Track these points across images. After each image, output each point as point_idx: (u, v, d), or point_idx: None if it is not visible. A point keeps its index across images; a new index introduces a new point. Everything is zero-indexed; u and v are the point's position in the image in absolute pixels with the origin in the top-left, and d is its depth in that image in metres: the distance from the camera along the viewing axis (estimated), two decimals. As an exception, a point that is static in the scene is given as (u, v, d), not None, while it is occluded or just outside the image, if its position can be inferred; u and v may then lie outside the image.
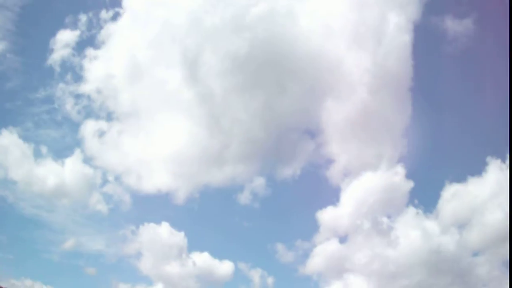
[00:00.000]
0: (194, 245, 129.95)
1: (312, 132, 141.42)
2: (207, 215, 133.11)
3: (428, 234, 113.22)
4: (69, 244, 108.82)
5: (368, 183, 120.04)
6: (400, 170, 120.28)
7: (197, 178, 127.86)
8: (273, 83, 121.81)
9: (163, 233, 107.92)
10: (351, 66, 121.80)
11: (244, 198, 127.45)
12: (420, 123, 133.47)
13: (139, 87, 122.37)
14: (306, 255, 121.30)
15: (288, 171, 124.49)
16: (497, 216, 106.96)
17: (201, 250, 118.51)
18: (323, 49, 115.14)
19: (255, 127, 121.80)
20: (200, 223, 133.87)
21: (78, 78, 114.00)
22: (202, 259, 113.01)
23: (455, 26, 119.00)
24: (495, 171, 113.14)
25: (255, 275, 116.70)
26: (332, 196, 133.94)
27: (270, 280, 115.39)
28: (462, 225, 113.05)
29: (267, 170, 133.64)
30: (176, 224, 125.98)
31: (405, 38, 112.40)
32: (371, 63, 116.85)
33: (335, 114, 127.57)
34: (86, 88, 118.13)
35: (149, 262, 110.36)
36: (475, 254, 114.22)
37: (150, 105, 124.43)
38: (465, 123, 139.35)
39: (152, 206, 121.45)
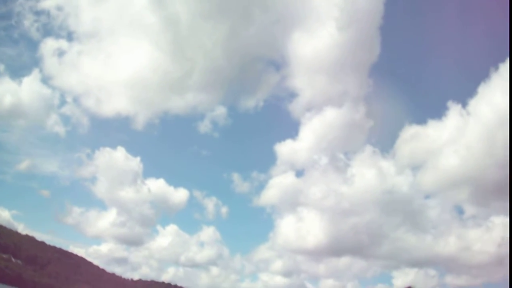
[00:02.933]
0: (149, 171, 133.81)
1: (278, 64, 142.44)
2: (165, 142, 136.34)
3: (383, 173, 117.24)
4: (23, 165, 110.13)
5: (329, 119, 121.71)
6: (362, 108, 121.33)
7: (158, 104, 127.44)
8: (240, 11, 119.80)
9: (119, 157, 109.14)
10: (321, 0, 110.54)
11: (204, 126, 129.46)
12: (387, 63, 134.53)
13: (102, 8, 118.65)
14: (261, 186, 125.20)
15: (251, 102, 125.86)
16: (452, 161, 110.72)
17: (157, 176, 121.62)
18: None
19: (219, 56, 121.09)
20: (157, 149, 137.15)
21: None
22: (157, 186, 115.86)
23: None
24: (455, 116, 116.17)
25: (210, 203, 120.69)
26: (291, 129, 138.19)
27: (224, 210, 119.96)
28: (417, 167, 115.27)
29: (229, 100, 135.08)
30: (132, 149, 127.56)
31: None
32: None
33: (302, 48, 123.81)
34: (46, 4, 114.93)
35: (103, 187, 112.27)
36: (427, 196, 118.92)
37: (112, 27, 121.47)
38: (431, 66, 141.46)
39: (110, 130, 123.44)
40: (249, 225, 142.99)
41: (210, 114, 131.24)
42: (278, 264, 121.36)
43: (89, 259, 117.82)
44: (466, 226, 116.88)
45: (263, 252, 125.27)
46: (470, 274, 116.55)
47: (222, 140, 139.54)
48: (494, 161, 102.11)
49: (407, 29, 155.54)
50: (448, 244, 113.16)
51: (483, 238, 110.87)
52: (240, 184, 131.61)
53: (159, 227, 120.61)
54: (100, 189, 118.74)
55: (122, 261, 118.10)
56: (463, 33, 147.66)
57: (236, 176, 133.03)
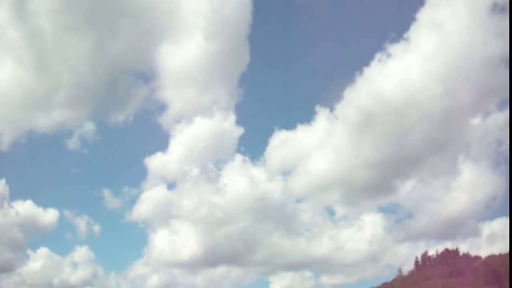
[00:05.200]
0: (16, 193, 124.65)
1: (146, 77, 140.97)
2: (32, 162, 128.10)
3: (255, 181, 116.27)
4: None
5: (198, 129, 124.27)
6: (232, 117, 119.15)
7: (23, 123, 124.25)
8: (106, 24, 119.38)
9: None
10: (188, 10, 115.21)
11: (72, 143, 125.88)
12: (256, 71, 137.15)
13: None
14: (133, 201, 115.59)
15: (120, 117, 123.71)
16: (321, 164, 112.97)
17: (24, 198, 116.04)
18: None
19: (85, 70, 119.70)
20: (24, 170, 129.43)
21: None
22: (25, 208, 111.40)
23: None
24: (323, 120, 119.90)
25: (81, 222, 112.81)
26: (161, 142, 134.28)
27: (96, 228, 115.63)
28: (287, 172, 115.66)
29: (98, 115, 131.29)
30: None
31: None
32: (208, 9, 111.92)
33: (171, 59, 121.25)
34: None
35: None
36: (299, 200, 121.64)
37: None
38: (299, 72, 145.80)
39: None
40: (122, 241, 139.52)
41: (79, 130, 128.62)
42: (154, 279, 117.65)
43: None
44: (338, 227, 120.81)
45: (138, 268, 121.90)
46: (344, 272, 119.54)
47: (92, 156, 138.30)
48: (361, 161, 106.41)
49: (275, 37, 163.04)
50: (322, 246, 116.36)
51: (355, 237, 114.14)
52: (111, 201, 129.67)
53: (29, 251, 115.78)
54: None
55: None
56: (328, 39, 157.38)
57: (107, 193, 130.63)
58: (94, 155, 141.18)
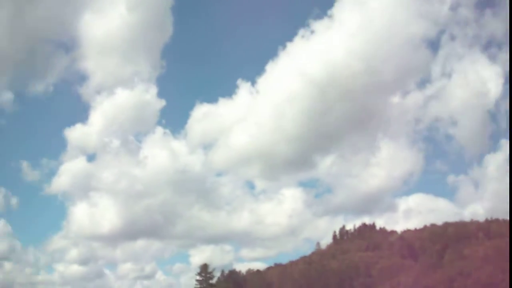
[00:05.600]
0: None
1: (67, 46, 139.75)
2: None
3: (175, 154, 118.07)
4: None
5: (119, 101, 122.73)
6: (153, 89, 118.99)
7: None
8: None
9: None
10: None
11: None
12: (179, 43, 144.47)
13: None
14: (52, 173, 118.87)
15: (40, 87, 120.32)
16: (242, 139, 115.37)
17: None
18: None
19: (3, 38, 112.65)
20: None
21: None
22: None
23: None
24: (245, 94, 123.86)
25: None
26: (82, 113, 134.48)
27: (14, 200, 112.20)
28: (208, 145, 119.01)
29: (16, 85, 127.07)
30: None
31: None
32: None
33: (93, 29, 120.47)
34: None
35: None
36: (219, 174, 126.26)
37: None
38: (222, 45, 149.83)
39: None
40: (41, 214, 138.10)
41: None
42: (73, 253, 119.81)
43: None
44: (258, 201, 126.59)
45: (57, 241, 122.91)
46: (264, 246, 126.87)
47: (9, 127, 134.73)
48: (282, 136, 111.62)
49: (199, 9, 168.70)
50: (242, 219, 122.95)
51: (275, 211, 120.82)
52: (29, 173, 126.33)
53: None
54: None
55: None
56: (253, 13, 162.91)
57: (25, 164, 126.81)
58: (12, 126, 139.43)
